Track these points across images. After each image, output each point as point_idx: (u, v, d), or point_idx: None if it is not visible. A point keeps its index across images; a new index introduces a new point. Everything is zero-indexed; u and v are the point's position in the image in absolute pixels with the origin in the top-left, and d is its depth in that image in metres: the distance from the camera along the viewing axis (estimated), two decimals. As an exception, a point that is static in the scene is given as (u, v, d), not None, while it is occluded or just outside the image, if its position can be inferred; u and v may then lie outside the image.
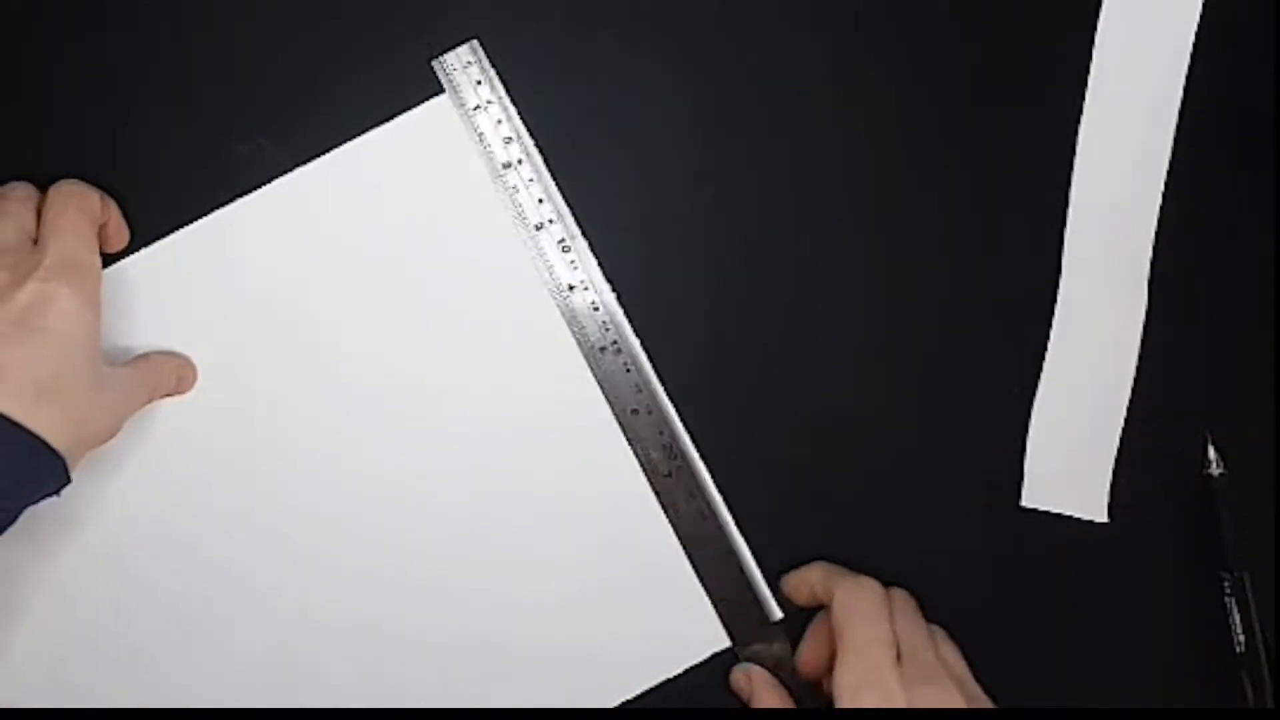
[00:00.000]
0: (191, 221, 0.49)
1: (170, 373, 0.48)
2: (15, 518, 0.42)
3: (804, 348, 0.50)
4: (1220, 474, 0.49)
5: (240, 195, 0.49)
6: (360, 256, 0.49)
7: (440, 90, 0.49)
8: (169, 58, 0.49)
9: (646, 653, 0.49)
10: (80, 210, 0.45)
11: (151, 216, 0.49)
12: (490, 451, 0.49)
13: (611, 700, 0.49)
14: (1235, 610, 0.48)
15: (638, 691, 0.49)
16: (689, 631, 0.49)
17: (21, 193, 0.46)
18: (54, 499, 0.43)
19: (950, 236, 0.50)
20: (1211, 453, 0.49)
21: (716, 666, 0.49)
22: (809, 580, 0.48)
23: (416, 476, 0.49)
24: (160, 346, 0.49)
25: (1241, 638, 0.48)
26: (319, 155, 0.49)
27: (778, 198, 0.50)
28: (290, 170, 0.49)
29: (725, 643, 0.49)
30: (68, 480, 0.43)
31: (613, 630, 0.49)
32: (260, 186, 0.49)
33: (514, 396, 0.49)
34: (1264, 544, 0.50)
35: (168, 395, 0.48)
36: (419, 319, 0.49)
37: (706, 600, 0.49)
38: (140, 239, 0.49)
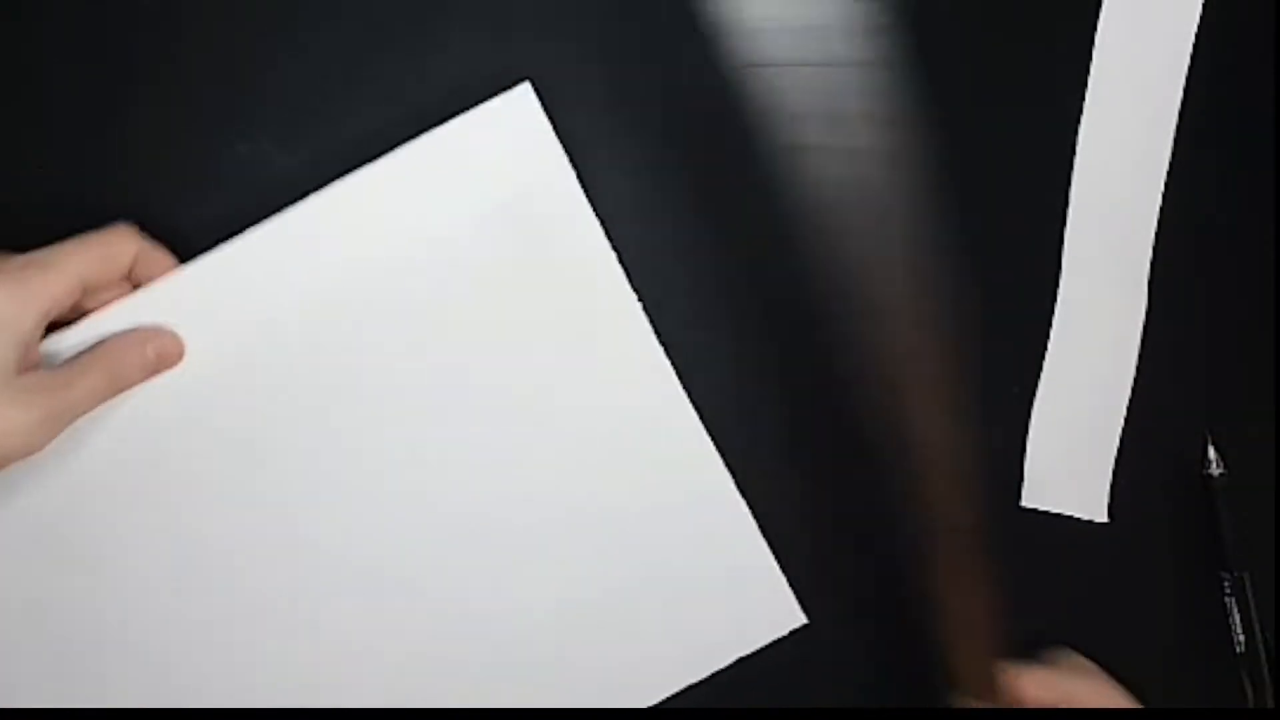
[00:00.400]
0: (199, 217, 0.48)
1: (136, 355, 0.45)
2: None
3: (803, 348, 0.50)
4: (1220, 474, 0.49)
5: (242, 195, 0.48)
6: (426, 259, 0.47)
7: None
8: (176, 53, 0.49)
9: (678, 652, 0.49)
10: (98, 239, 0.44)
11: (158, 215, 0.49)
12: (536, 449, 0.48)
13: (652, 698, 0.49)
14: (1235, 610, 0.48)
15: (669, 692, 0.49)
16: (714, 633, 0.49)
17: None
18: None
19: (950, 237, 0.50)
20: (1211, 453, 0.49)
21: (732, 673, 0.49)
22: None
23: (455, 485, 0.48)
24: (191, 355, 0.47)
25: (1241, 638, 0.48)
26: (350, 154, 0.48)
27: (775, 197, 0.50)
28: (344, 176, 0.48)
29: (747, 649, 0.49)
30: None
31: (644, 629, 0.49)
32: (271, 191, 0.47)
33: (574, 393, 0.48)
34: (1264, 544, 0.50)
35: (152, 375, 0.45)
36: (479, 313, 0.48)
37: (730, 603, 0.49)
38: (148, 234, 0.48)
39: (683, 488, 0.48)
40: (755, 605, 0.49)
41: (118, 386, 0.44)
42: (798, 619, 0.49)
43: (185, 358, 0.47)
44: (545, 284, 0.48)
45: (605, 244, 0.48)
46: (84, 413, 0.43)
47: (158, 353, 0.45)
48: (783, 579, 0.49)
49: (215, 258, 0.46)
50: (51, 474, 0.47)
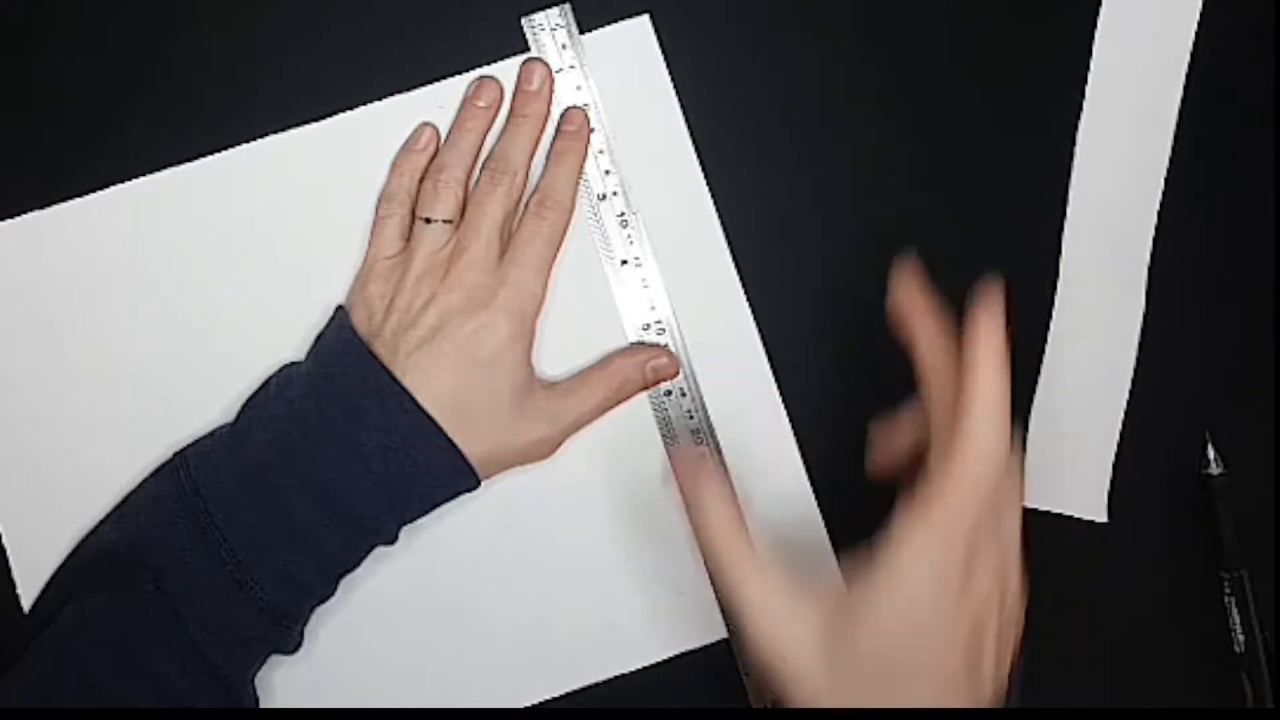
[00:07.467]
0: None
1: (636, 373, 0.48)
2: (429, 510, 0.46)
3: (803, 348, 0.50)
4: (1220, 474, 0.49)
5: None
6: None
7: (524, 48, 0.49)
8: (179, 52, 0.50)
9: (645, 633, 0.49)
10: (550, 240, 0.47)
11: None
12: None
13: (613, 670, 0.49)
14: (1235, 610, 0.48)
15: (628, 669, 0.49)
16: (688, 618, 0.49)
17: (459, 172, 0.47)
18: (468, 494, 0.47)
19: (950, 236, 0.50)
20: (1211, 453, 0.49)
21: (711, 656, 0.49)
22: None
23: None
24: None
25: (1241, 638, 0.48)
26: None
27: (775, 197, 0.50)
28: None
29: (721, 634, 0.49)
30: (477, 484, 0.46)
31: (618, 606, 0.49)
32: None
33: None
34: (1264, 544, 0.50)
35: (649, 388, 0.49)
36: None
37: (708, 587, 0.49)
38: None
39: (759, 464, 0.49)
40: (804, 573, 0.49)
41: (618, 400, 0.48)
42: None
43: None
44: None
45: (704, 189, 0.49)
46: (588, 424, 0.48)
47: (654, 370, 0.48)
48: (831, 552, 0.49)
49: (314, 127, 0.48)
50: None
